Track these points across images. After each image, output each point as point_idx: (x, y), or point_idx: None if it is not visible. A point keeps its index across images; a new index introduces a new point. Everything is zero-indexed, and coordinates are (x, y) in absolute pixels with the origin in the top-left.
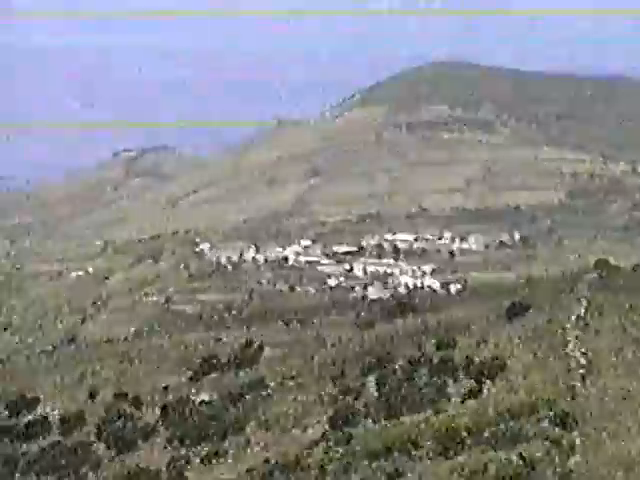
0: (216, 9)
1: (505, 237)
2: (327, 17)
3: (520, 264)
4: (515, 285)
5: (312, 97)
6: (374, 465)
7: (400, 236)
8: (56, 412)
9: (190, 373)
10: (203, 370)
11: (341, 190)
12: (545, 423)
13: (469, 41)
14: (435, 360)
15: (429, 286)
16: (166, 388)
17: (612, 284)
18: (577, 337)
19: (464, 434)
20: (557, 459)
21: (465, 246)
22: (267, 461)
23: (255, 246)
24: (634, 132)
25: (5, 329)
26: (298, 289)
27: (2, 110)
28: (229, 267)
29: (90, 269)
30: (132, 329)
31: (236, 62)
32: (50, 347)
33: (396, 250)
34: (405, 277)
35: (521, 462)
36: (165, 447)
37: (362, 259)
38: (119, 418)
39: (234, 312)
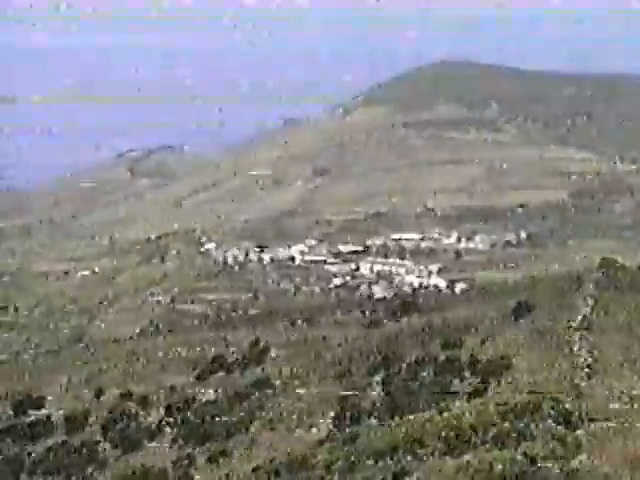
0: (216, 9)
1: (511, 236)
2: (327, 17)
3: (526, 263)
4: (521, 284)
5: (312, 97)
6: (379, 464)
7: (406, 235)
8: (62, 412)
9: (196, 373)
10: (209, 370)
11: (347, 189)
12: (550, 422)
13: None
14: (441, 359)
15: (435, 285)
16: (172, 388)
17: (618, 283)
18: (582, 336)
19: (469, 433)
20: (562, 458)
21: (471, 245)
22: (273, 460)
23: (260, 246)
24: (634, 132)
25: (11, 329)
26: (304, 288)
27: (2, 110)
28: (235, 267)
29: (96, 269)
30: (138, 329)
31: (236, 62)
32: (56, 347)
33: (402, 249)
34: (411, 276)
35: (526, 461)
36: (171, 446)
37: (368, 258)
38: (125, 418)
39: (240, 312)
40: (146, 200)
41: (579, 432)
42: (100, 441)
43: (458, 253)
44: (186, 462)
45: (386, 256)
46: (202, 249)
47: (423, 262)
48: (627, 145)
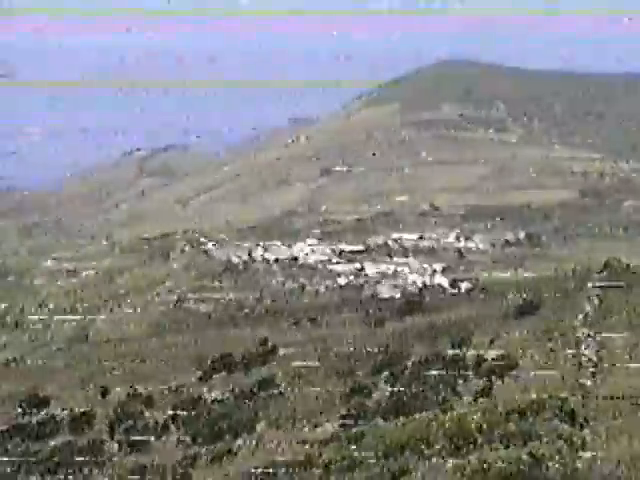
0: (216, 9)
1: (516, 235)
2: (327, 17)
3: (530, 262)
4: (525, 283)
5: (312, 97)
6: (382, 463)
7: (410, 235)
8: (67, 411)
9: (202, 372)
10: (215, 369)
11: (351, 189)
12: (556, 421)
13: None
14: (446, 358)
15: (439, 284)
16: (178, 387)
17: (623, 282)
18: (588, 335)
19: (475, 432)
20: (568, 457)
21: (475, 244)
22: (275, 460)
23: (265, 245)
24: (635, 132)
25: (16, 327)
26: (308, 288)
27: (2, 110)
28: (240, 266)
29: (101, 268)
30: (144, 328)
31: (236, 62)
32: (61, 346)
33: (406, 248)
34: (415, 275)
35: (532, 460)
36: (177, 446)
37: (373, 257)
38: (130, 417)
39: (246, 311)
40: (150, 199)
41: (585, 431)
42: (106, 440)
43: (462, 252)
44: (188, 461)
45: (390, 255)
46: (206, 248)
47: (427, 261)
48: (633, 145)
